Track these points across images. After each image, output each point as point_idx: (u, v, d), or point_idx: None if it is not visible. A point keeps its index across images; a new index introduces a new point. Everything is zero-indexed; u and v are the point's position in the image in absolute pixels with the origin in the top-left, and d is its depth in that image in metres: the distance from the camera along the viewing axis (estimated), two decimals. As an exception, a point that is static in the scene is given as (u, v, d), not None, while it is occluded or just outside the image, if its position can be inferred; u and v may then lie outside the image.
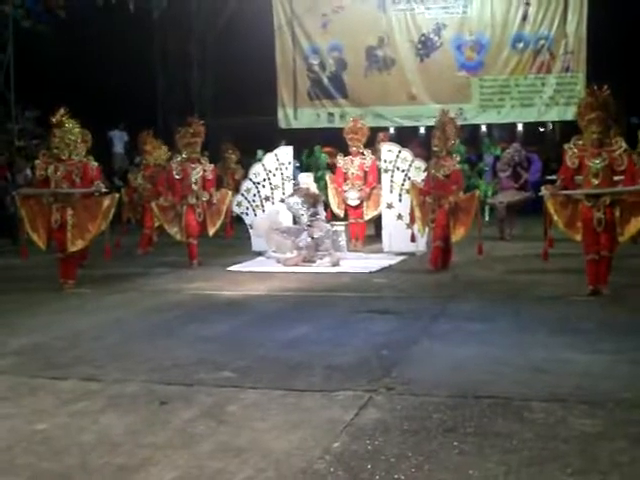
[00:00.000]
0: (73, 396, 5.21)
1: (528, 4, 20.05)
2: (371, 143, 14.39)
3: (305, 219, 11.61)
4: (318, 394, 5.14)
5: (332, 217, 13.10)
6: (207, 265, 11.65)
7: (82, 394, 5.26)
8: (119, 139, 21.83)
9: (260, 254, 12.59)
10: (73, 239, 9.60)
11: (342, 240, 12.20)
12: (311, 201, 11.70)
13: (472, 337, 6.71)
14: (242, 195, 13.10)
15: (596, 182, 8.49)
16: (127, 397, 5.19)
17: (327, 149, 18.82)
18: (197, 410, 4.87)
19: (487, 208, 16.71)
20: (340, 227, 12.44)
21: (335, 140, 16.17)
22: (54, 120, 9.79)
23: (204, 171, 11.66)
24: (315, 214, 11.68)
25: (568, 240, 9.10)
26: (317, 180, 13.52)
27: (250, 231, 12.98)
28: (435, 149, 10.89)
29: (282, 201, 12.38)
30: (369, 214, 13.56)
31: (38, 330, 7.34)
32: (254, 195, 13.01)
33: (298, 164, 17.57)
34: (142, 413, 4.86)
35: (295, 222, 12.07)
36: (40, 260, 10.63)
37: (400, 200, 12.45)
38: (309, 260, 11.48)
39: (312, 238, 11.47)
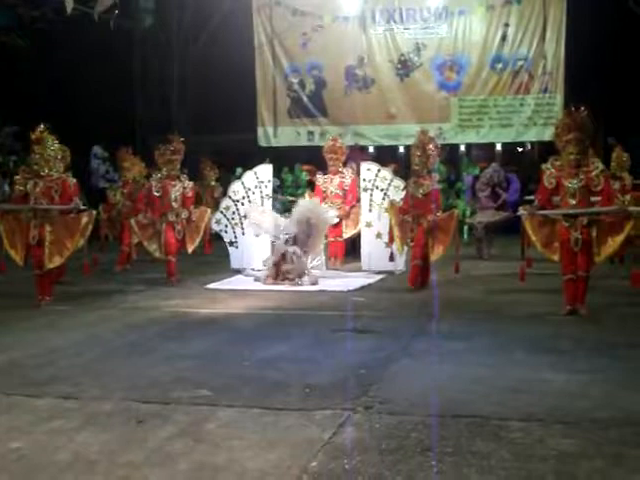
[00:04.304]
0: (49, 414, 5.16)
1: (507, 25, 20.26)
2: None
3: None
4: (296, 413, 5.12)
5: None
6: (185, 282, 11.62)
7: (58, 412, 5.21)
8: (97, 156, 21.80)
9: (239, 272, 12.57)
10: (51, 256, 9.55)
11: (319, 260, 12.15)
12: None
13: (450, 356, 6.71)
14: (221, 213, 13.06)
15: (573, 202, 8.56)
16: (104, 415, 5.15)
17: (307, 167, 18.90)
18: (174, 428, 4.84)
19: (465, 228, 16.80)
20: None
21: (315, 158, 16.20)
22: (34, 136, 9.74)
23: (183, 188, 11.66)
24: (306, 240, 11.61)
25: (545, 260, 9.15)
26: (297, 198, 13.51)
27: (229, 249, 12.95)
28: (415, 168, 10.95)
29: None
30: (348, 232, 13.55)
31: (14, 347, 7.28)
32: (233, 213, 12.97)
33: (278, 182, 17.60)
34: (119, 431, 4.82)
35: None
36: (17, 276, 10.55)
37: (379, 219, 12.49)
38: (285, 278, 11.37)
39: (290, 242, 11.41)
